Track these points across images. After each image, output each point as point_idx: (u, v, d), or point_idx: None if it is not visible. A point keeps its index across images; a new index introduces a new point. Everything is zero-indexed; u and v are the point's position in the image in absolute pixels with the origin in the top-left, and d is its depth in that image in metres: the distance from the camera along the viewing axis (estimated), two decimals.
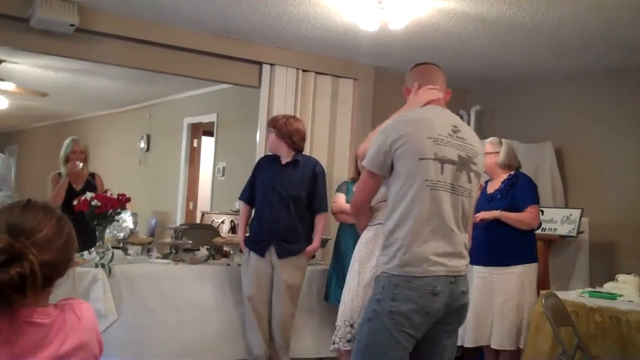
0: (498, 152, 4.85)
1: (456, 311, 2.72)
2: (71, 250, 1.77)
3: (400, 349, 2.63)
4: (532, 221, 4.76)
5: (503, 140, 4.94)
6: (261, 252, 4.84)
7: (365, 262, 3.03)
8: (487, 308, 4.75)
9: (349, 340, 3.00)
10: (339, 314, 3.12)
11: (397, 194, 2.68)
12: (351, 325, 3.01)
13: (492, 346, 4.78)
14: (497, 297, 4.74)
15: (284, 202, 4.86)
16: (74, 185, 5.55)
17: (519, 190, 4.78)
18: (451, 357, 2.80)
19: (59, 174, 5.69)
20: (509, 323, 4.72)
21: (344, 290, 3.19)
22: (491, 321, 4.75)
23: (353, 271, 3.13)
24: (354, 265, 3.15)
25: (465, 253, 2.74)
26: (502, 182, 4.84)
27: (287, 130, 4.91)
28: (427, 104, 2.87)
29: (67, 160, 5.66)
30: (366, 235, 3.13)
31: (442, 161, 2.65)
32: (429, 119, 2.75)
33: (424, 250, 2.61)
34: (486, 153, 4.80)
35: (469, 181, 2.73)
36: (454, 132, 2.74)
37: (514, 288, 4.73)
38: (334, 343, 3.11)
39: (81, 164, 5.58)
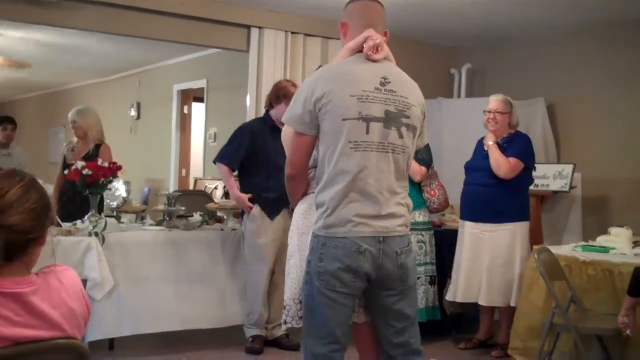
0: (509, 113, 4.86)
1: (393, 273, 2.61)
2: (44, 218, 1.72)
3: (339, 306, 2.58)
4: (506, 167, 4.73)
5: (507, 97, 4.95)
6: (273, 217, 4.84)
7: (304, 235, 2.85)
8: (477, 264, 4.82)
9: (301, 317, 2.80)
10: (286, 291, 2.92)
11: (323, 156, 2.60)
12: (300, 302, 2.80)
13: (480, 302, 4.87)
14: (487, 254, 4.81)
15: None
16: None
17: (511, 144, 4.82)
18: (415, 315, 2.74)
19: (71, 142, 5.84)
20: (497, 280, 4.79)
21: (286, 267, 3.00)
22: (480, 278, 4.81)
23: (292, 246, 2.95)
24: (293, 240, 2.97)
25: (400, 212, 2.63)
26: (502, 139, 4.86)
27: None
28: (358, 51, 2.67)
29: None
30: (301, 207, 2.97)
31: (367, 120, 2.53)
32: (354, 73, 2.59)
33: (347, 211, 2.54)
34: (499, 112, 4.83)
35: (400, 136, 2.59)
36: (382, 84, 2.58)
37: (504, 245, 4.79)
38: (284, 323, 2.90)
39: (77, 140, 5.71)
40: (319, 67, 3.04)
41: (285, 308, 2.92)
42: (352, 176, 2.54)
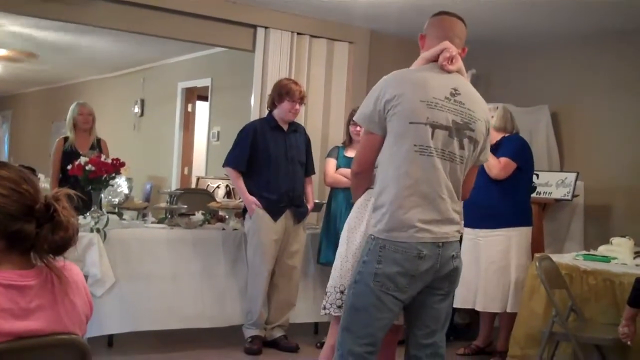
0: (493, 116, 4.87)
1: (447, 276, 2.69)
2: None
3: (386, 310, 2.62)
4: (496, 167, 4.75)
5: (500, 104, 4.98)
6: (276, 218, 4.86)
7: (355, 228, 2.93)
8: (473, 270, 4.81)
9: (339, 307, 2.90)
10: (330, 279, 3.03)
11: (386, 156, 2.64)
12: (341, 292, 2.90)
13: (476, 308, 4.87)
14: (482, 259, 4.81)
15: (296, 169, 4.96)
16: (79, 150, 5.56)
17: (502, 146, 4.83)
18: (447, 320, 2.80)
19: (65, 138, 5.73)
20: (492, 286, 4.78)
21: (336, 256, 3.12)
22: (477, 283, 4.81)
23: (343, 237, 3.04)
24: (344, 231, 3.05)
25: (457, 219, 2.69)
26: (495, 143, 4.87)
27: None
28: (432, 61, 2.75)
29: (74, 124, 5.70)
30: (359, 201, 3.03)
31: (434, 126, 2.58)
32: (427, 80, 2.65)
33: (410, 216, 2.57)
34: None
35: (461, 147, 2.64)
36: (452, 95, 2.64)
37: (499, 251, 4.79)
38: (324, 308, 3.00)
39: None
40: None
41: (326, 294, 2.99)
42: (415, 180, 2.58)
